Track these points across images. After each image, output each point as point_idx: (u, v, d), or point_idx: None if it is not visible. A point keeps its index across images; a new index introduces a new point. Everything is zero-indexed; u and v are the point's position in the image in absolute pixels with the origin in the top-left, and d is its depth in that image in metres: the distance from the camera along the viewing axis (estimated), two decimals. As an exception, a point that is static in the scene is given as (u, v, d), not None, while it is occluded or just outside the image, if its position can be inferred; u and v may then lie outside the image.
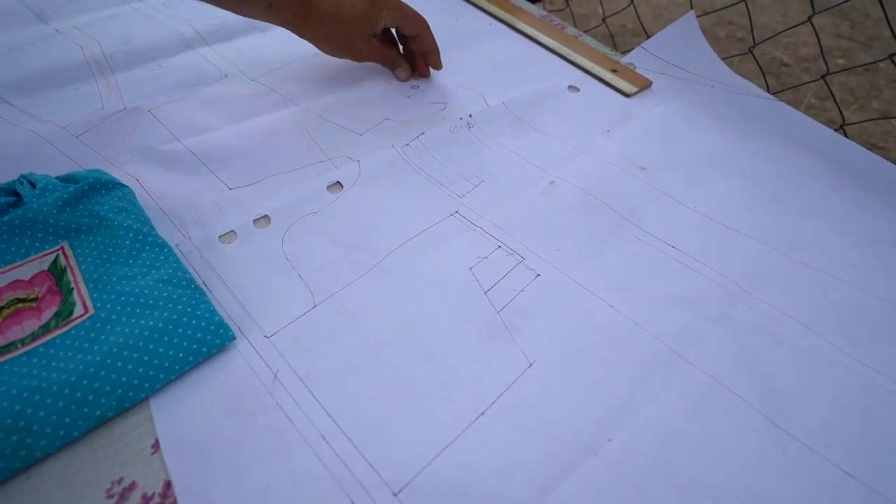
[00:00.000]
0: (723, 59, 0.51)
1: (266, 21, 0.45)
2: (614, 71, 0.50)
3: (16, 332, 0.27)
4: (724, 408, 0.28)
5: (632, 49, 0.54)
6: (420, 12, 0.46)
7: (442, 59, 0.48)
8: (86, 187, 0.33)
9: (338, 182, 0.39)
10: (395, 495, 0.24)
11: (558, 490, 0.25)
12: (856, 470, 0.26)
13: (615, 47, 0.57)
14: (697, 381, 0.29)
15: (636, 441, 0.26)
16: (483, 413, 0.27)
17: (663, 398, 0.28)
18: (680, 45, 0.53)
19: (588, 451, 0.26)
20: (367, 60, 0.47)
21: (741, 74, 0.50)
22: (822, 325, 0.32)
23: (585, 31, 0.58)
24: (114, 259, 0.31)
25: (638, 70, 0.51)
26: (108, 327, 0.28)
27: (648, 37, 0.55)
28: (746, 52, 0.56)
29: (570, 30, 0.58)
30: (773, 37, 0.61)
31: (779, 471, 0.26)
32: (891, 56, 0.43)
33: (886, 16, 0.45)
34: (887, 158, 0.42)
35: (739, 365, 0.30)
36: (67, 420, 0.25)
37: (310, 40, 0.45)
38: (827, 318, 0.32)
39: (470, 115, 0.45)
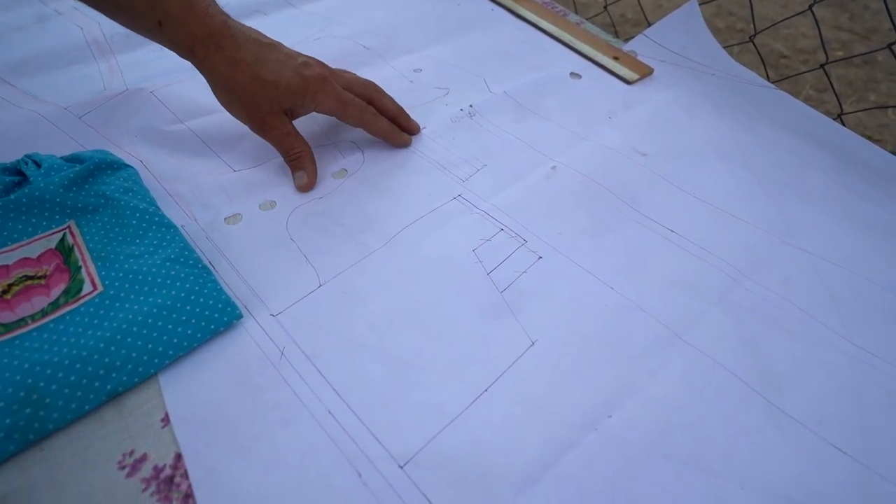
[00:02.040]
0: (727, 53, 0.51)
1: (160, 43, 0.36)
2: (616, 58, 0.50)
3: (25, 308, 0.27)
4: (721, 387, 0.29)
5: (632, 37, 0.54)
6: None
7: (444, 45, 0.48)
8: (91, 167, 0.33)
9: (343, 168, 0.39)
10: (401, 467, 0.25)
11: (560, 464, 0.25)
12: (847, 446, 0.27)
13: (616, 36, 0.57)
14: (696, 362, 0.30)
15: (636, 418, 0.27)
16: (486, 390, 0.28)
17: (662, 377, 0.29)
18: (682, 33, 0.53)
19: (589, 427, 0.27)
20: (268, 140, 0.37)
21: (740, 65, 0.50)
22: (818, 309, 0.32)
23: (587, 19, 0.58)
24: (121, 238, 0.31)
25: (639, 57, 0.51)
26: (117, 304, 0.28)
27: (649, 25, 0.55)
28: (747, 41, 0.56)
29: (572, 17, 0.58)
30: (772, 26, 0.61)
31: (773, 446, 0.26)
32: (889, 45, 0.43)
33: (887, 6, 0.46)
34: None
35: (737, 346, 0.30)
36: (79, 394, 0.25)
37: (209, 81, 0.36)
38: (823, 301, 0.33)
39: (471, 103, 0.45)
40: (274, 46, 0.36)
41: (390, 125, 0.40)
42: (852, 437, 0.27)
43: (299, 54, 0.37)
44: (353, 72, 0.42)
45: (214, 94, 0.37)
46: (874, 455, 0.26)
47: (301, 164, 0.37)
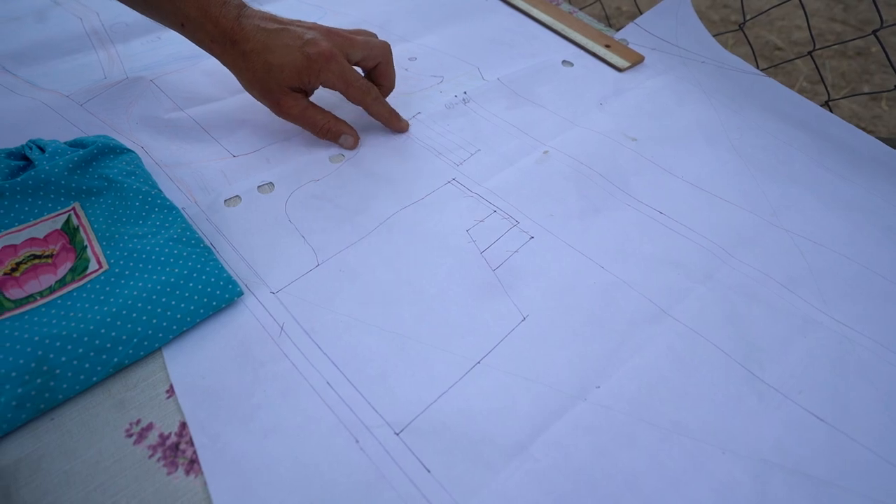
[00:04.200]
0: (717, 42, 0.52)
1: (185, 37, 0.39)
2: (607, 46, 0.51)
3: (34, 285, 0.28)
4: (705, 359, 0.30)
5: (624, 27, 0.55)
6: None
7: (439, 34, 0.49)
8: (94, 151, 0.34)
9: (340, 153, 0.40)
10: (397, 434, 0.26)
11: (550, 430, 0.26)
12: (825, 414, 0.28)
13: (609, 26, 0.58)
14: (681, 335, 0.31)
15: (622, 388, 0.28)
16: (479, 362, 0.29)
17: (649, 350, 0.30)
18: (672, 21, 0.54)
19: (577, 397, 0.28)
20: (291, 121, 0.39)
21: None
22: (799, 285, 0.33)
23: (581, 9, 0.59)
24: (125, 219, 0.32)
25: (631, 46, 0.52)
26: (122, 282, 0.29)
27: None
28: (737, 28, 0.57)
29: (565, 6, 0.59)
30: (761, 14, 0.62)
31: (754, 414, 0.28)
32: (874, 32, 0.44)
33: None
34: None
35: (721, 320, 0.31)
36: (87, 366, 0.26)
37: (232, 71, 0.39)
38: (804, 278, 0.34)
39: (465, 92, 0.46)
40: (280, 32, 0.37)
41: (390, 110, 0.41)
42: (830, 405, 0.28)
43: (308, 30, 0.38)
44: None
45: (242, 86, 0.39)
46: (850, 422, 0.28)
47: (336, 132, 0.39)
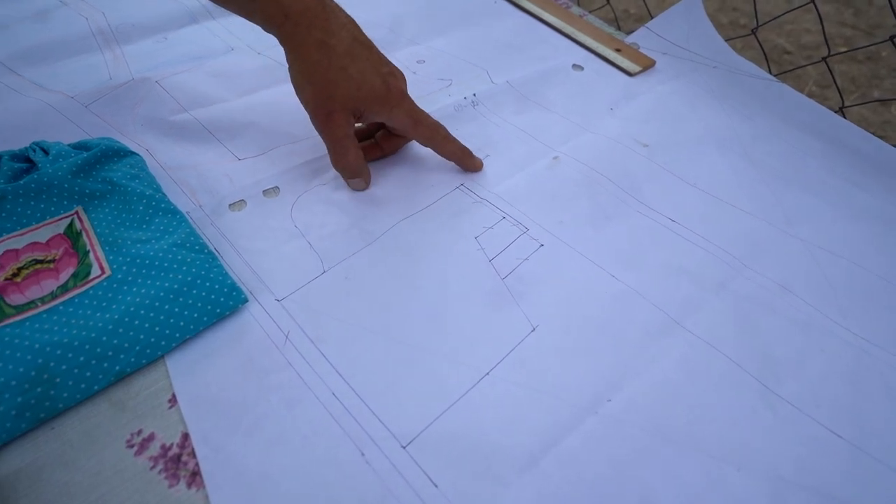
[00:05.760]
0: (725, 43, 0.51)
1: (246, 17, 0.35)
2: (618, 50, 0.51)
3: (35, 291, 0.28)
4: (719, 372, 0.29)
5: (635, 31, 0.54)
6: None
7: (448, 37, 0.48)
8: (98, 154, 0.33)
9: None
10: (404, 448, 0.25)
11: (561, 445, 0.26)
12: (842, 430, 0.27)
13: (618, 29, 0.57)
14: (695, 348, 0.30)
15: (635, 401, 0.28)
16: (488, 373, 0.28)
17: (662, 362, 0.29)
18: (684, 25, 0.53)
19: (589, 410, 0.27)
20: (324, 137, 0.35)
21: (743, 60, 0.50)
22: (815, 297, 0.33)
23: (590, 12, 0.59)
24: (128, 224, 0.31)
25: (642, 50, 0.52)
26: (125, 288, 0.28)
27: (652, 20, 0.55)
28: (749, 34, 0.57)
29: (575, 9, 0.58)
30: (775, 19, 0.61)
31: (769, 430, 0.27)
32: (892, 38, 0.43)
33: (891, 1, 0.46)
34: (886, 146, 0.43)
35: (736, 333, 0.31)
36: (88, 374, 0.25)
37: (290, 58, 0.34)
38: (820, 289, 0.33)
39: (474, 94, 0.45)
40: (368, 46, 0.35)
41: (462, 148, 0.38)
42: (848, 422, 0.27)
43: (388, 62, 0.36)
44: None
45: (290, 72, 0.35)
46: (869, 439, 0.27)
47: (354, 174, 0.36)
